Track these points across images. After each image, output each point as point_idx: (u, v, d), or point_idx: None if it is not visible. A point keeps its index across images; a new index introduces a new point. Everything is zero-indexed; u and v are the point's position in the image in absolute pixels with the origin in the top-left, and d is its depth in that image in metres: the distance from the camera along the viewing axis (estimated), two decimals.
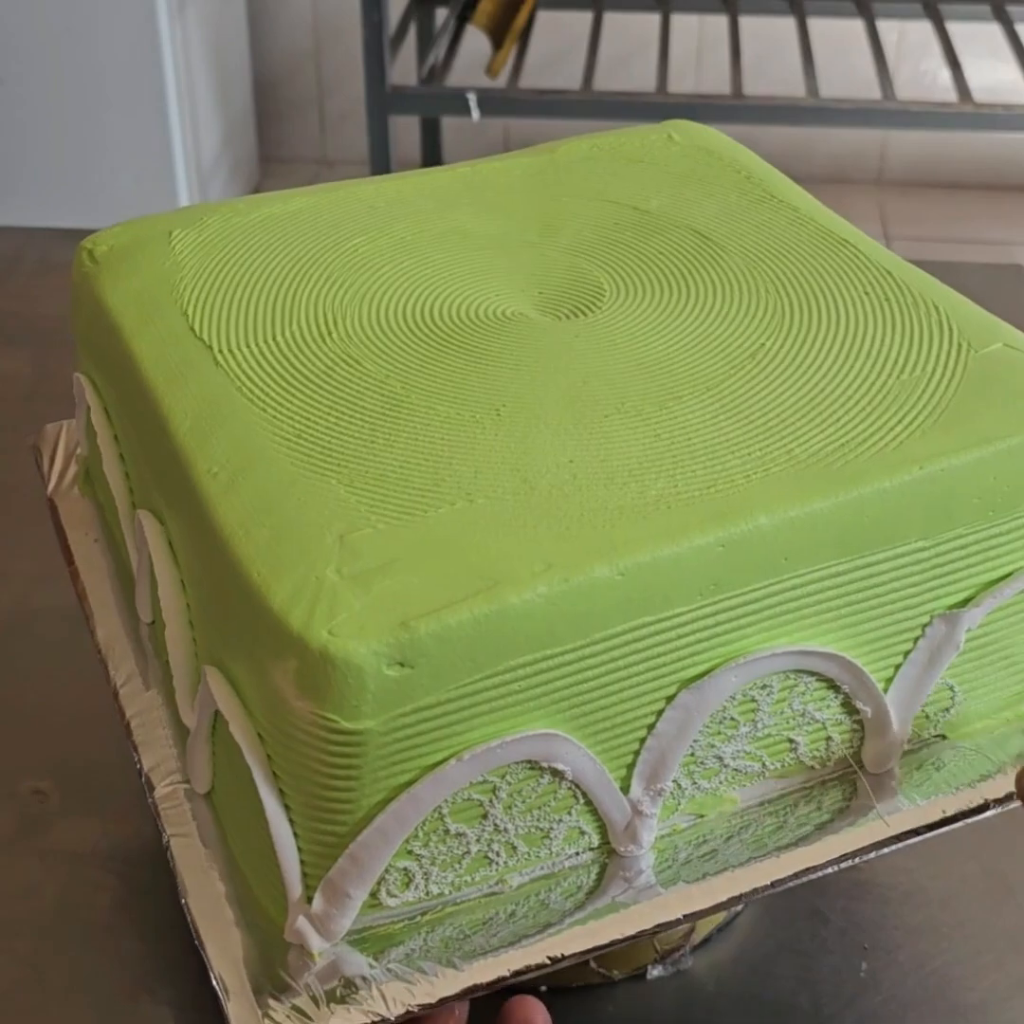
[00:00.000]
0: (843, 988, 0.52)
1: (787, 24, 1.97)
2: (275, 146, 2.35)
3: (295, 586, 0.38)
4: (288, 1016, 0.39)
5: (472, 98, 1.73)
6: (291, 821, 0.39)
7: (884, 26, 2.00)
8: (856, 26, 1.97)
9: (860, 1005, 0.52)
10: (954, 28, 1.94)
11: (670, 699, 0.41)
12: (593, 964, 0.52)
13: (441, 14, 2.03)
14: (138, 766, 0.46)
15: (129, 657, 0.49)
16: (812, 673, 0.43)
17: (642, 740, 0.42)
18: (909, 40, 2.18)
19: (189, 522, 0.43)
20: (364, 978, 0.39)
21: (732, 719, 0.43)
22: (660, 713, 0.41)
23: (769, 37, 2.06)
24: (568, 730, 0.40)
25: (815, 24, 1.94)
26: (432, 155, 2.19)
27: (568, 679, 0.40)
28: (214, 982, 0.39)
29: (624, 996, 0.52)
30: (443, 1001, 0.39)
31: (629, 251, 0.54)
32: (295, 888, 0.40)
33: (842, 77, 2.05)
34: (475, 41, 1.97)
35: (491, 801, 0.40)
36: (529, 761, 0.40)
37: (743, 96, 1.76)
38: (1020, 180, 2.29)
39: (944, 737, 0.47)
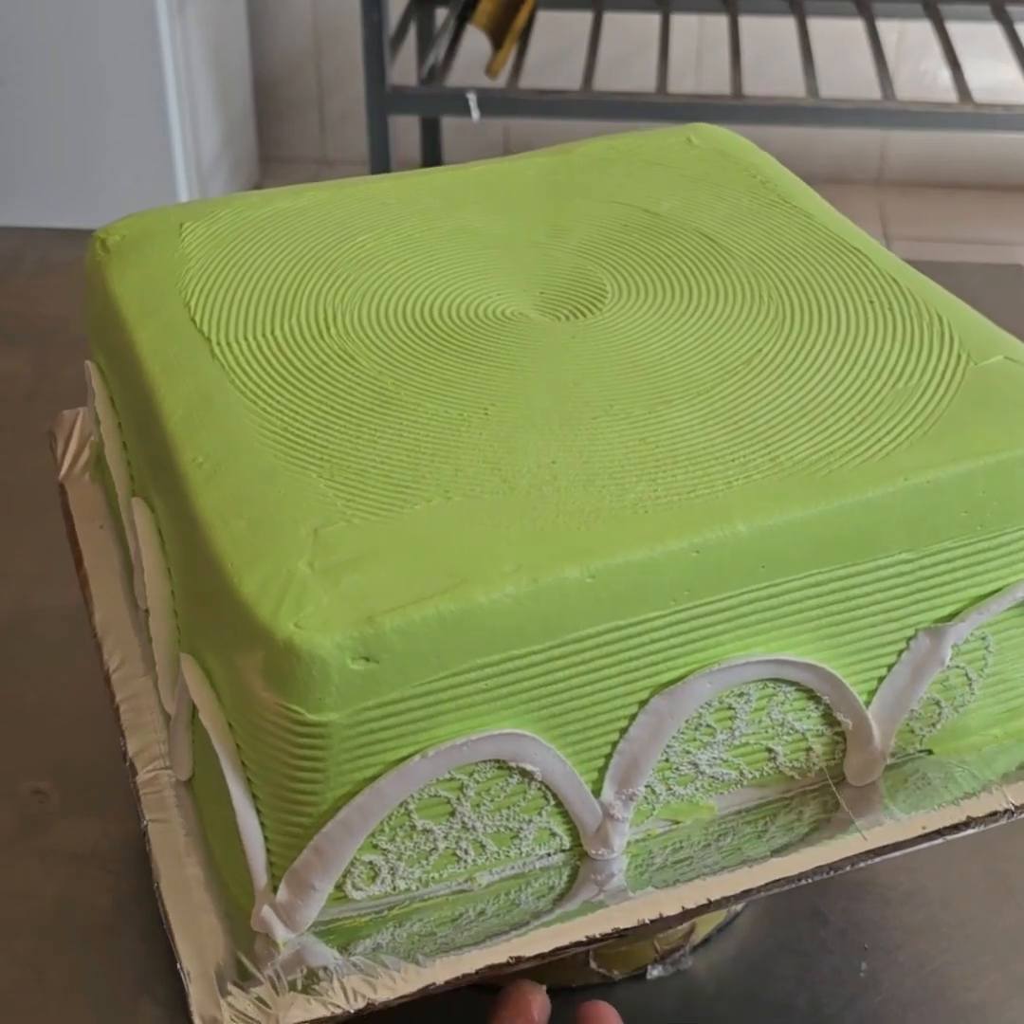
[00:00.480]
0: (843, 988, 0.52)
1: (787, 24, 1.95)
2: (275, 146, 2.34)
3: (266, 577, 0.39)
4: (249, 1004, 0.39)
5: (472, 98, 1.72)
6: (258, 811, 0.40)
7: (884, 26, 1.97)
8: (856, 26, 1.95)
9: (860, 1005, 0.51)
10: (954, 28, 1.91)
11: (643, 704, 0.41)
12: (593, 964, 0.52)
13: (441, 14, 2.01)
14: (123, 749, 0.46)
15: (124, 643, 0.50)
16: (791, 683, 0.43)
17: (614, 744, 0.42)
18: (909, 40, 2.15)
19: (174, 511, 0.44)
20: (327, 970, 0.40)
21: (708, 726, 0.43)
22: (633, 717, 0.41)
23: (769, 37, 2.03)
24: (537, 731, 0.40)
25: (815, 24, 1.92)
26: (432, 155, 2.17)
27: (537, 680, 0.39)
28: (178, 967, 0.40)
29: (624, 996, 0.52)
30: (403, 997, 0.39)
31: (635, 253, 0.53)
32: (261, 877, 0.40)
33: (842, 77, 2.02)
34: (475, 41, 1.96)
35: (458, 799, 0.40)
36: (497, 760, 0.40)
37: (743, 96, 1.74)
38: (1020, 180, 2.25)
39: (930, 752, 0.46)
